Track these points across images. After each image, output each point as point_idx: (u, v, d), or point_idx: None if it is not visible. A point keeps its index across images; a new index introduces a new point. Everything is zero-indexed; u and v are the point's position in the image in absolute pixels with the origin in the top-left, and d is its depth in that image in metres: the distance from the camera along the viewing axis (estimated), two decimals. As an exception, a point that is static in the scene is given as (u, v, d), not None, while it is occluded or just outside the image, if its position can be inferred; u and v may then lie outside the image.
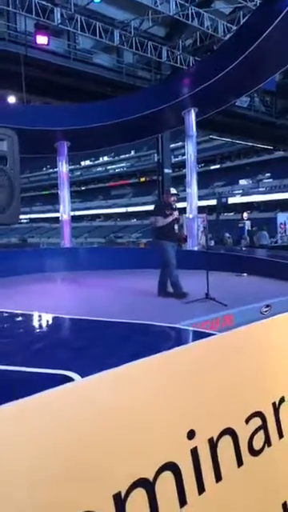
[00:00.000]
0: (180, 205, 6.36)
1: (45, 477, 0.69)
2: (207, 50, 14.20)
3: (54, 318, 3.39)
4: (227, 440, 0.97)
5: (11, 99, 13.13)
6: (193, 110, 10.28)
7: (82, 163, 54.96)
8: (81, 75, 13.01)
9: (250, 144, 27.66)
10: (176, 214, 5.69)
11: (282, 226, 20.18)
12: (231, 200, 39.44)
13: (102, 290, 7.05)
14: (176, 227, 5.76)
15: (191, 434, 0.90)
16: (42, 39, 11.01)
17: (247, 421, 1.02)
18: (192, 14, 12.93)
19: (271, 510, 1.03)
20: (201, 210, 11.27)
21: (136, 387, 0.85)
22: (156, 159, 17.48)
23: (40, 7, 11.44)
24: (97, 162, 54.93)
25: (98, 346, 2.34)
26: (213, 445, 0.94)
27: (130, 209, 49.19)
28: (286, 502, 1.07)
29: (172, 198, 5.87)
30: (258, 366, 1.10)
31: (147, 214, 42.68)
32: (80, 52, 13.47)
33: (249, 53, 8.30)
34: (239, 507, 0.96)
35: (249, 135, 22.37)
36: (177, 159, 33.68)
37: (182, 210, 6.15)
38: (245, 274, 8.09)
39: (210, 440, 0.93)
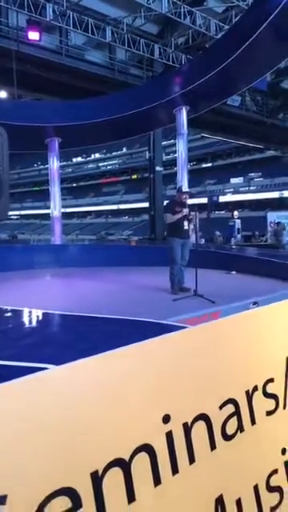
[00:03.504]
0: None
1: (26, 454, 0.74)
2: (199, 48, 14.26)
3: (42, 314, 3.43)
4: (201, 425, 1.03)
5: (2, 94, 13.07)
6: (184, 109, 10.35)
7: (74, 160, 54.77)
8: (72, 71, 13.00)
9: (242, 143, 27.78)
10: (185, 211, 5.77)
11: (272, 225, 20.32)
12: (222, 198, 39.63)
13: (90, 286, 7.09)
14: (186, 224, 5.82)
15: (166, 419, 0.96)
16: (33, 35, 10.99)
17: (221, 407, 1.08)
18: (184, 12, 12.96)
19: (243, 492, 1.09)
20: (191, 208, 11.34)
21: (114, 374, 0.91)
22: (147, 156, 17.52)
23: (32, 3, 11.41)
24: (88, 158, 54.75)
25: (79, 340, 2.39)
26: (187, 429, 0.99)
27: (122, 206, 49.17)
28: (257, 484, 1.13)
29: (183, 196, 5.98)
30: (232, 356, 1.16)
31: (139, 211, 42.77)
32: (72, 48, 13.44)
33: (240, 52, 8.38)
34: (211, 488, 1.02)
35: (240, 134, 22.50)
36: (169, 157, 33.72)
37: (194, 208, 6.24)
38: (234, 272, 8.18)
39: (185, 424, 0.99)
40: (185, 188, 6.20)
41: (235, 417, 1.11)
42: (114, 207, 50.08)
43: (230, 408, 1.10)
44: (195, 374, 1.06)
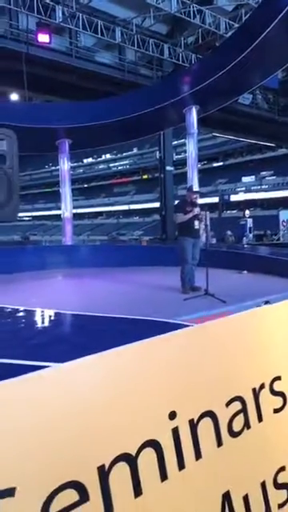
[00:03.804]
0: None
1: (34, 448, 0.76)
2: (209, 47, 14.22)
3: (49, 314, 3.47)
4: (207, 421, 1.04)
5: (13, 97, 13.21)
6: (194, 108, 10.33)
7: (85, 161, 55.03)
8: (82, 73, 13.07)
9: (253, 141, 27.61)
10: (197, 210, 5.77)
11: (284, 224, 20.15)
12: (234, 197, 39.42)
13: (100, 286, 7.14)
14: (196, 223, 5.83)
15: (173, 415, 0.97)
16: (43, 37, 11.09)
17: (227, 404, 1.09)
18: (194, 11, 12.94)
19: (250, 488, 1.09)
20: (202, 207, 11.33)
21: (122, 371, 0.92)
22: (158, 156, 17.51)
23: (42, 5, 11.50)
24: (99, 159, 54.96)
25: (92, 340, 2.41)
26: (193, 425, 1.00)
27: (133, 206, 49.23)
28: (264, 481, 1.13)
29: (194, 196, 5.99)
30: (239, 354, 1.17)
31: (150, 211, 42.79)
32: (82, 50, 13.52)
33: (250, 50, 8.32)
34: (218, 484, 1.03)
35: (251, 133, 22.35)
36: (179, 156, 33.67)
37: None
38: (245, 272, 8.14)
39: (191, 421, 1.00)
40: (195, 187, 6.19)
41: (242, 414, 1.12)
42: (125, 207, 50.19)
43: (237, 405, 1.11)
44: (202, 371, 1.07)
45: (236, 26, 13.10)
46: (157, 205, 20.85)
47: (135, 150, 50.34)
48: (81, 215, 50.08)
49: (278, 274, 7.19)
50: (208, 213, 6.06)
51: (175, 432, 0.97)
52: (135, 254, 10.53)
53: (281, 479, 1.17)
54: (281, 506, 1.15)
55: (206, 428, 1.03)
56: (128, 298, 5.90)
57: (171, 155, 17.56)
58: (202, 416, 1.03)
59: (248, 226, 19.82)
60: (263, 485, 1.13)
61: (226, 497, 1.03)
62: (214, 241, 16.36)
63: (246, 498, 1.07)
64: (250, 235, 19.60)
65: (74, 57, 13.11)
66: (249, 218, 20.91)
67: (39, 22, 11.34)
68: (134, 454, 0.89)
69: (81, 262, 9.60)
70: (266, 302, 5.06)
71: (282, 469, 1.19)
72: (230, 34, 12.92)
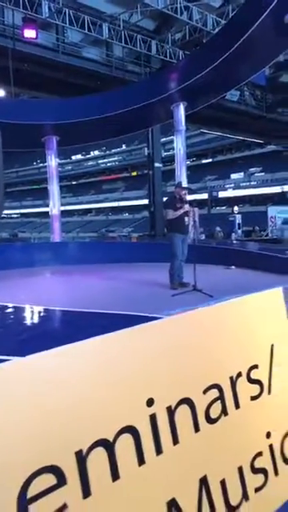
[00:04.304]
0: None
1: (12, 434, 0.78)
2: (196, 43, 14.23)
3: (33, 309, 3.48)
4: (185, 408, 1.07)
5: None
6: (182, 104, 10.33)
7: (73, 157, 54.74)
8: (70, 69, 13.00)
9: (241, 138, 27.74)
10: (187, 207, 5.80)
11: (273, 220, 20.36)
12: (223, 194, 39.62)
13: (88, 282, 7.14)
14: (186, 220, 5.86)
15: (150, 402, 1.00)
16: (29, 33, 10.99)
17: (205, 392, 1.12)
18: (181, 7, 12.93)
19: (227, 473, 1.13)
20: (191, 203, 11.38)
21: (99, 359, 0.95)
22: (146, 153, 17.52)
23: (28, 0, 11.38)
24: (88, 156, 54.72)
25: (74, 334, 2.43)
26: (171, 412, 1.03)
27: (122, 203, 49.17)
28: (241, 466, 1.17)
29: (183, 192, 6.01)
30: (217, 344, 1.20)
31: (139, 208, 42.77)
32: (69, 46, 13.43)
33: (237, 47, 8.35)
34: (196, 468, 1.06)
35: (239, 129, 22.47)
36: (168, 153, 33.68)
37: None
38: (233, 267, 8.21)
39: (169, 408, 1.03)
40: (184, 184, 6.21)
41: (219, 401, 1.15)
42: (115, 204, 50.09)
43: (214, 393, 1.14)
44: (180, 360, 1.10)
45: (223, 22, 13.13)
46: (146, 201, 20.83)
47: (124, 147, 50.23)
48: (70, 212, 49.86)
49: (265, 269, 7.27)
50: (197, 209, 6.10)
51: (153, 418, 1.00)
52: (125, 250, 10.54)
53: (258, 464, 1.21)
54: (258, 489, 1.19)
55: (183, 414, 1.06)
56: (116, 294, 5.92)
57: (159, 152, 17.56)
58: (179, 403, 1.06)
59: (237, 222, 19.99)
60: (240, 469, 1.16)
61: (204, 481, 1.06)
62: (203, 237, 16.46)
63: (223, 483, 1.10)
64: (239, 231, 19.76)
65: (61, 53, 13.02)
66: (237, 214, 21.08)
67: (25, 18, 11.23)
68: (111, 439, 0.91)
69: (70, 259, 9.58)
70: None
71: (259, 454, 1.23)
72: (217, 30, 12.94)
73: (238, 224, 20.10)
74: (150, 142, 16.61)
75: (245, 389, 1.23)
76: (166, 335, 1.10)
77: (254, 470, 1.20)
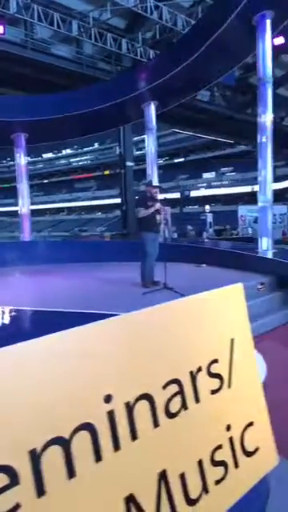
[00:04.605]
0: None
1: None
2: (167, 43, 14.31)
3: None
4: (144, 404, 1.07)
5: None
6: (152, 103, 10.37)
7: (45, 156, 54.00)
8: (38, 65, 12.80)
9: (212, 138, 28.11)
10: (158, 205, 5.79)
11: (243, 219, 20.73)
12: (195, 193, 40.06)
13: (58, 282, 7.07)
14: (158, 218, 5.86)
15: (108, 398, 0.99)
16: (-3, 28, 10.74)
17: (164, 387, 1.13)
18: (151, 6, 12.96)
19: (186, 466, 1.14)
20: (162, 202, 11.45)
21: (55, 355, 0.94)
22: (118, 152, 17.49)
23: (-5, -6, 11.15)
24: (60, 154, 54.09)
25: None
26: (129, 408, 1.03)
27: (95, 202, 48.91)
28: (201, 460, 1.18)
29: (154, 190, 6.00)
30: (176, 339, 1.21)
31: (112, 207, 42.62)
32: (38, 42, 13.22)
33: (206, 47, 8.44)
34: (154, 463, 1.07)
35: (210, 129, 22.78)
36: (141, 152, 33.72)
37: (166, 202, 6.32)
38: (204, 265, 8.31)
39: (127, 404, 1.03)
40: (154, 182, 6.25)
41: (179, 396, 1.16)
42: (87, 203, 49.78)
43: (174, 388, 1.15)
44: (140, 356, 1.10)
45: (193, 23, 13.25)
46: (119, 200, 20.82)
47: (96, 145, 49.96)
48: (42, 211, 49.19)
49: (234, 266, 7.41)
50: (169, 208, 6.13)
51: (111, 414, 0.99)
52: (96, 249, 10.48)
53: (218, 457, 1.23)
54: (218, 482, 1.21)
55: (142, 410, 1.06)
56: (86, 292, 5.89)
57: (131, 150, 17.58)
58: (138, 398, 1.06)
59: (208, 220, 20.25)
60: (200, 463, 1.17)
61: (163, 475, 1.07)
62: (175, 235, 16.59)
63: (182, 476, 1.11)
64: (210, 230, 20.03)
65: (30, 49, 12.80)
66: (209, 213, 21.39)
67: (-8, 12, 10.99)
68: (67, 437, 0.90)
69: (42, 259, 9.45)
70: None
71: (219, 447, 1.24)
72: (186, 30, 13.04)
73: (210, 223, 20.37)
74: (121, 140, 16.60)
75: (205, 383, 1.24)
76: (125, 331, 1.10)
77: (214, 463, 1.21)
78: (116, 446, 0.99)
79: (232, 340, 1.36)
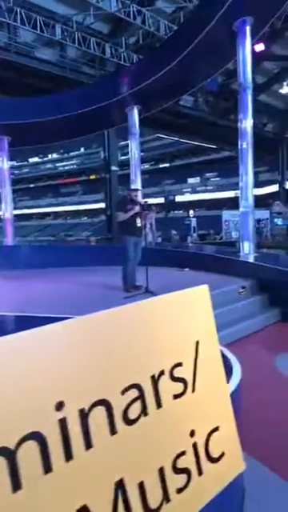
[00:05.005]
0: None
1: None
2: (150, 48, 14.38)
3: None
4: (100, 410, 1.02)
5: None
6: (136, 108, 10.37)
7: (30, 160, 53.59)
8: (21, 69, 12.72)
9: (196, 143, 28.30)
10: (137, 208, 5.74)
11: (227, 223, 20.85)
12: (180, 198, 40.22)
13: (40, 286, 6.97)
14: (138, 222, 5.80)
15: (60, 406, 0.95)
16: (-22, 30, 10.63)
17: (123, 392, 1.08)
18: (134, 11, 13.02)
19: (145, 475, 1.09)
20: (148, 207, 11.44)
21: (3, 360, 0.89)
22: (102, 156, 17.46)
23: (-23, -3, 11.05)
24: (45, 158, 53.75)
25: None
26: (84, 415, 0.99)
27: (81, 207, 48.70)
28: (162, 467, 1.14)
29: (133, 194, 5.95)
30: (137, 342, 1.17)
31: (98, 211, 42.48)
32: (21, 45, 13.14)
33: (188, 52, 8.48)
34: (110, 472, 1.02)
35: (194, 134, 22.93)
36: (127, 157, 33.73)
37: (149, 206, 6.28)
38: (187, 269, 8.30)
39: (81, 411, 0.98)
40: (135, 186, 6.23)
41: (139, 401, 1.12)
42: (73, 208, 49.54)
43: (133, 393, 1.11)
44: (97, 360, 1.06)
45: (175, 28, 13.34)
46: (104, 205, 20.76)
47: (82, 150, 49.81)
48: (28, 216, 48.76)
49: (217, 270, 7.40)
50: (154, 213, 6.09)
51: (62, 422, 0.94)
52: (80, 254, 10.39)
53: (180, 464, 1.19)
54: (180, 490, 1.17)
55: (98, 417, 1.02)
56: (67, 297, 5.81)
57: (116, 155, 17.57)
58: (94, 405, 1.02)
59: (192, 225, 20.31)
60: (161, 470, 1.13)
61: (119, 485, 1.02)
62: (159, 240, 16.59)
63: (141, 485, 1.07)
64: (195, 234, 20.09)
65: (13, 52, 12.72)
66: (193, 217, 21.44)
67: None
68: (12, 447, 0.85)
69: (24, 264, 9.31)
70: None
71: (183, 453, 1.20)
72: (169, 35, 13.12)
73: (194, 227, 20.43)
74: (106, 145, 16.57)
75: (167, 387, 1.20)
76: (81, 334, 1.06)
77: (177, 471, 1.17)
78: (68, 456, 0.94)
79: (197, 342, 1.33)
